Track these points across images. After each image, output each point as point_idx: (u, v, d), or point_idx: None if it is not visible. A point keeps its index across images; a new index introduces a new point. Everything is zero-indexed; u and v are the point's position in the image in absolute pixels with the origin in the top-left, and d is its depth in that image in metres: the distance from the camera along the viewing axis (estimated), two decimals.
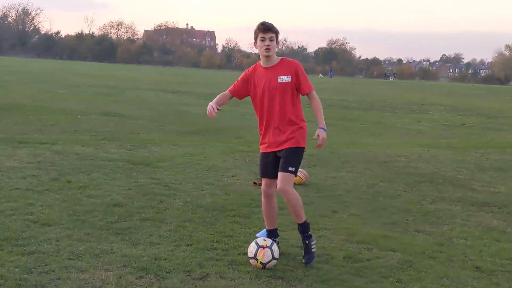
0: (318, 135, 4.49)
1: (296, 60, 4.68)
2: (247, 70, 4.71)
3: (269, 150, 4.60)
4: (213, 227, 5.28)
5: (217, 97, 4.65)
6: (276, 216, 4.78)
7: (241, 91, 4.69)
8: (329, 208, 6.27)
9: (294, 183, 7.15)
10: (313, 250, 4.57)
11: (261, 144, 4.68)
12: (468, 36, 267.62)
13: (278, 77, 4.48)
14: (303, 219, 4.63)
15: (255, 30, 4.52)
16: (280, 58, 4.59)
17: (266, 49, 4.46)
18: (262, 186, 4.70)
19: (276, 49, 4.56)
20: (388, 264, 4.55)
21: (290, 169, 4.47)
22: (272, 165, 4.60)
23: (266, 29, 4.46)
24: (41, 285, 3.74)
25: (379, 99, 29.73)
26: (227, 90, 4.73)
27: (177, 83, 34.30)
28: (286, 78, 4.49)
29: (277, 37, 4.52)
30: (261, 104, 4.58)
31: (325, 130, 4.50)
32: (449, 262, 4.69)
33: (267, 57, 4.51)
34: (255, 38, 4.53)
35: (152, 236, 4.90)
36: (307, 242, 4.58)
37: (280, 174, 4.48)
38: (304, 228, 4.64)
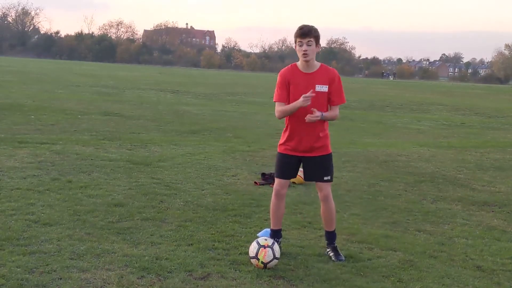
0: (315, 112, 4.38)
1: (335, 70, 4.63)
2: (283, 73, 4.54)
3: (294, 153, 4.61)
4: (214, 227, 5.28)
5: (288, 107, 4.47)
6: (282, 217, 4.83)
7: (288, 96, 4.52)
8: None
9: (295, 183, 7.24)
10: (341, 253, 4.66)
11: (284, 145, 4.63)
12: (468, 36, 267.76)
13: (317, 85, 4.45)
14: (334, 227, 4.74)
15: (294, 34, 4.46)
16: (320, 64, 4.53)
17: (303, 54, 4.40)
18: (276, 186, 4.71)
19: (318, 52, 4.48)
20: (389, 263, 4.55)
21: (326, 178, 4.63)
22: (292, 168, 4.68)
23: (303, 34, 4.40)
24: (42, 285, 3.74)
25: (379, 98, 29.73)
26: (282, 103, 4.50)
27: (177, 83, 34.30)
28: (324, 88, 4.47)
29: (316, 41, 4.43)
30: (300, 113, 4.50)
31: (322, 116, 4.41)
32: (450, 262, 4.69)
33: (306, 62, 4.45)
34: (295, 42, 4.48)
35: (153, 236, 4.90)
36: (336, 246, 4.68)
37: (322, 184, 4.63)
38: (333, 236, 4.72)
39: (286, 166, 4.67)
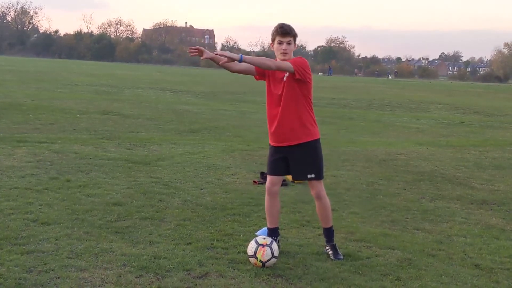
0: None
1: (300, 56, 4.61)
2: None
3: (276, 144, 4.62)
4: (213, 226, 5.28)
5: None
6: (278, 215, 4.81)
7: (261, 72, 4.59)
8: None
9: (294, 181, 7.23)
10: (339, 251, 4.64)
11: (269, 137, 4.71)
12: (467, 34, 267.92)
13: (285, 75, 4.49)
14: (330, 223, 4.71)
15: (273, 32, 4.49)
16: (294, 58, 4.54)
17: (283, 52, 4.45)
18: (267, 184, 4.71)
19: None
20: (387, 262, 4.55)
21: (310, 176, 4.55)
22: (279, 164, 4.63)
23: (284, 33, 4.44)
24: (40, 284, 3.74)
25: (379, 97, 29.73)
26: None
27: (176, 82, 34.29)
28: (287, 74, 4.48)
29: (294, 40, 4.50)
30: (271, 99, 4.58)
31: (240, 59, 4.29)
32: (449, 260, 4.69)
33: (284, 60, 4.49)
34: (273, 40, 4.52)
35: (152, 235, 4.90)
36: (334, 244, 4.66)
37: (311, 181, 4.58)
38: (331, 233, 4.69)
39: (273, 162, 4.66)
